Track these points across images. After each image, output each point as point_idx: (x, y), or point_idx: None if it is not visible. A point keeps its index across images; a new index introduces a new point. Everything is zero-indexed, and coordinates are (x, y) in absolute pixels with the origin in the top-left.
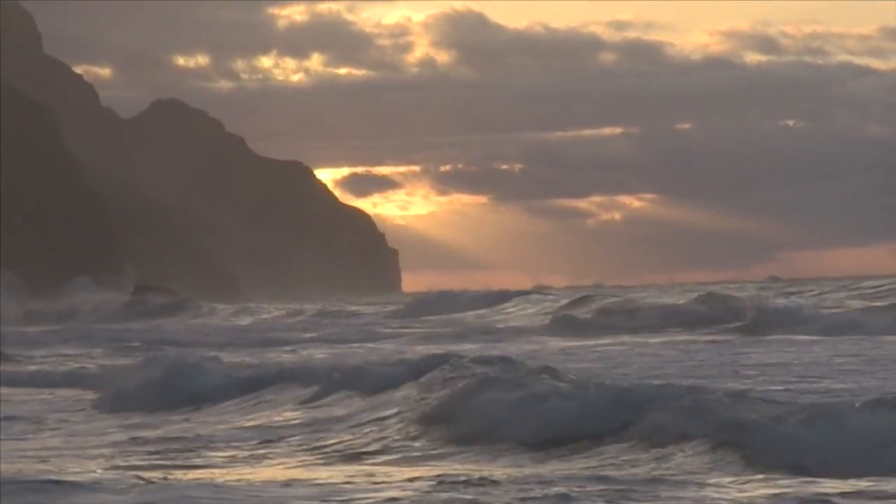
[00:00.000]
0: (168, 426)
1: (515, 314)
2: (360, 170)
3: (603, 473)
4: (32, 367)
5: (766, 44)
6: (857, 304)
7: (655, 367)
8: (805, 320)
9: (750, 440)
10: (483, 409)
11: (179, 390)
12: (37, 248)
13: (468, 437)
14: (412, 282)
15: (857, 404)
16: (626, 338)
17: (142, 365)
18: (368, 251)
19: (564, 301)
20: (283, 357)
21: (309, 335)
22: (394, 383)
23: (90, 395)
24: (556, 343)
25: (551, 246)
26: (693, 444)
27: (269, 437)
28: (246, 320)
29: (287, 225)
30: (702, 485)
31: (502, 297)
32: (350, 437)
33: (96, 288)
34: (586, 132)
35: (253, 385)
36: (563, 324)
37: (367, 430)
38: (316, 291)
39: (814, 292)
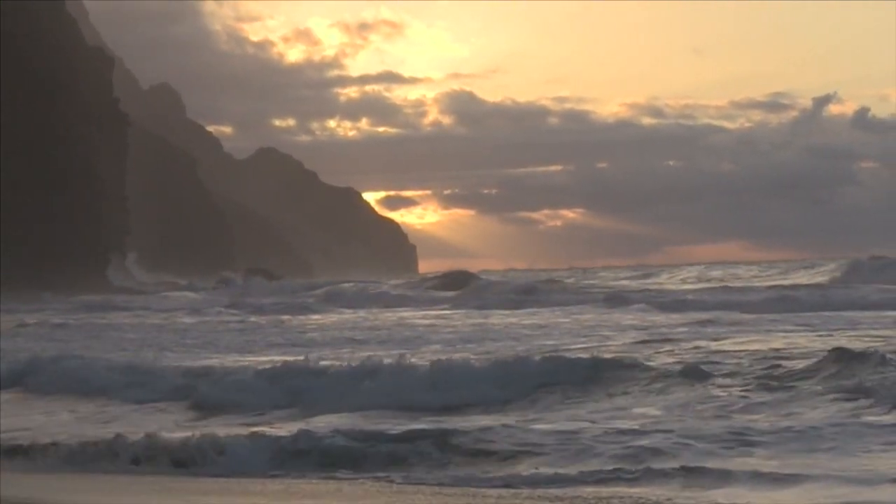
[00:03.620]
0: None
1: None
2: (392, 193)
3: None
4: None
5: (655, 112)
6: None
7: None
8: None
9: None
10: None
11: None
12: (177, 248)
13: None
14: (424, 266)
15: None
16: (387, 312)
17: None
18: (396, 246)
19: (424, 278)
20: None
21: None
22: None
23: None
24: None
25: (516, 243)
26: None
27: None
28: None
29: (344, 229)
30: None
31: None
32: None
33: (220, 271)
34: (539, 169)
35: None
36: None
37: None
38: (361, 273)
39: (660, 275)
